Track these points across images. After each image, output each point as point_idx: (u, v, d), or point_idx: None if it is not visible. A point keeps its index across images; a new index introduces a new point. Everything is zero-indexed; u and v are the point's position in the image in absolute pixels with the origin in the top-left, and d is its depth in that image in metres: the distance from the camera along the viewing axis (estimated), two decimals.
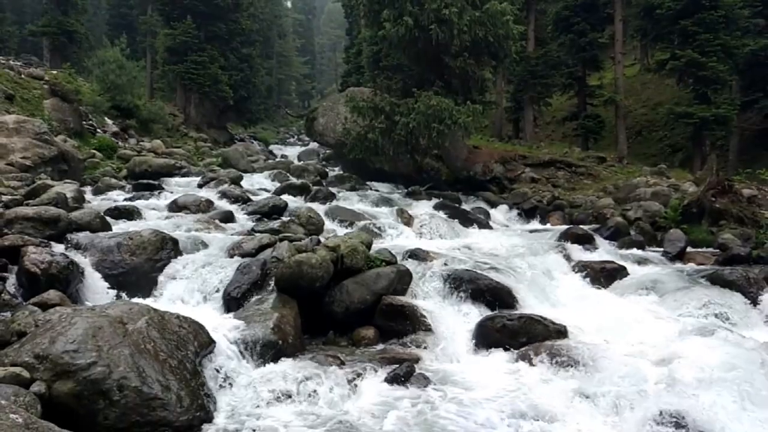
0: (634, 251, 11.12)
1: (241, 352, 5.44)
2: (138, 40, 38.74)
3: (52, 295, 5.93)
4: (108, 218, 9.00)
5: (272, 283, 6.97)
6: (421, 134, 14.80)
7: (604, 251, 10.94)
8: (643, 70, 33.44)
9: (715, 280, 8.32)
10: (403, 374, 5.53)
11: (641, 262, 10.00)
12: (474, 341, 6.52)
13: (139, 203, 11.15)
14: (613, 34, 25.02)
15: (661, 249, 11.10)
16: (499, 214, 15.06)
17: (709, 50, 20.65)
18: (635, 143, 28.49)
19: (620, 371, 5.42)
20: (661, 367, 5.49)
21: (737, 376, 5.16)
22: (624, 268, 9.03)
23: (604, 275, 8.76)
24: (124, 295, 6.80)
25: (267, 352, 5.58)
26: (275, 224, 9.87)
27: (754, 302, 7.90)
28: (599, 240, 11.63)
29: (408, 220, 11.82)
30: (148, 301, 6.19)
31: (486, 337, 6.49)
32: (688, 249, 10.93)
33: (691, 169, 20.12)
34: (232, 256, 7.83)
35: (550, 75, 25.38)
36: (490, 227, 13.34)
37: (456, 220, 12.66)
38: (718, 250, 10.75)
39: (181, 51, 28.71)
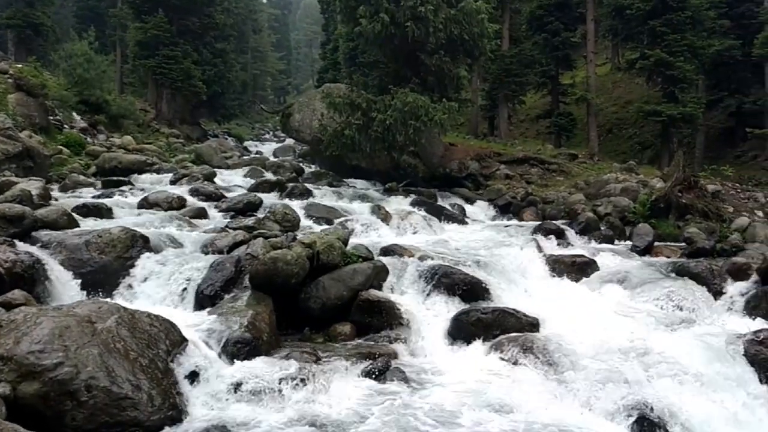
0: (604, 245, 11.37)
1: (214, 350, 5.39)
2: (107, 33, 38.03)
3: (16, 294, 5.76)
4: (76, 216, 8.81)
5: (247, 280, 6.92)
6: (397, 131, 14.83)
7: (576, 246, 11.14)
8: (614, 69, 33.98)
9: (681, 273, 8.56)
10: (379, 369, 5.57)
11: (611, 255, 10.17)
12: (449, 335, 6.61)
13: (108, 200, 10.98)
14: (585, 34, 25.39)
15: (630, 243, 11.35)
16: (475, 210, 15.19)
17: (676, 50, 21.08)
18: (606, 140, 28.96)
19: (590, 362, 5.54)
20: (629, 357, 5.62)
21: (701, 365, 5.34)
22: (594, 262, 9.21)
23: (575, 269, 8.92)
24: (93, 294, 6.67)
25: (241, 349, 5.52)
26: (250, 221, 9.81)
27: (718, 294, 8.15)
28: (570, 235, 11.83)
29: (385, 217, 11.85)
30: (119, 300, 6.12)
31: (461, 331, 6.58)
32: (656, 243, 11.19)
33: (659, 166, 20.53)
34: (205, 254, 7.76)
35: (525, 73, 25.64)
36: (466, 223, 13.46)
37: (432, 216, 12.74)
38: (684, 244, 11.02)
39: (152, 45, 28.25)
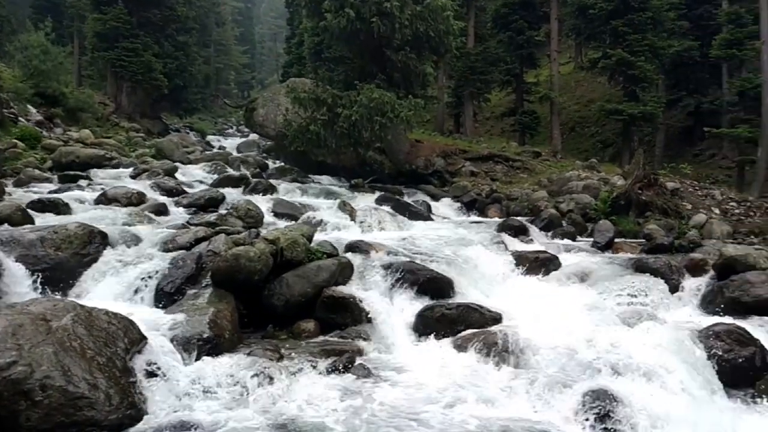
0: (566, 241, 11.56)
1: (174, 348, 5.30)
2: (65, 24, 36.95)
3: None
4: (31, 211, 8.59)
5: (208, 277, 6.82)
6: (363, 127, 14.78)
7: (538, 242, 11.28)
8: (577, 68, 34.58)
9: (641, 268, 8.71)
10: (344, 365, 5.55)
11: (573, 251, 10.33)
12: (414, 330, 6.63)
13: (65, 195, 10.67)
14: (549, 33, 25.77)
15: (591, 239, 11.54)
16: (440, 206, 15.26)
17: (637, 50, 21.54)
18: (569, 138, 29.45)
19: (552, 356, 5.62)
20: (589, 350, 5.71)
21: (659, 358, 5.45)
22: (556, 258, 9.32)
23: (538, 265, 9.02)
24: (48, 291, 6.47)
25: (202, 347, 5.45)
26: (212, 217, 9.68)
27: (676, 288, 8.35)
28: (534, 231, 11.98)
29: (351, 213, 11.80)
30: (76, 298, 5.95)
31: (426, 327, 6.61)
32: (616, 239, 11.40)
33: (620, 164, 20.96)
34: (165, 250, 7.62)
35: (489, 71, 25.86)
36: (432, 219, 13.51)
37: (398, 212, 12.74)
38: (643, 240, 11.26)
39: (111, 37, 27.55)
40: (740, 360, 5.67)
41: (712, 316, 7.52)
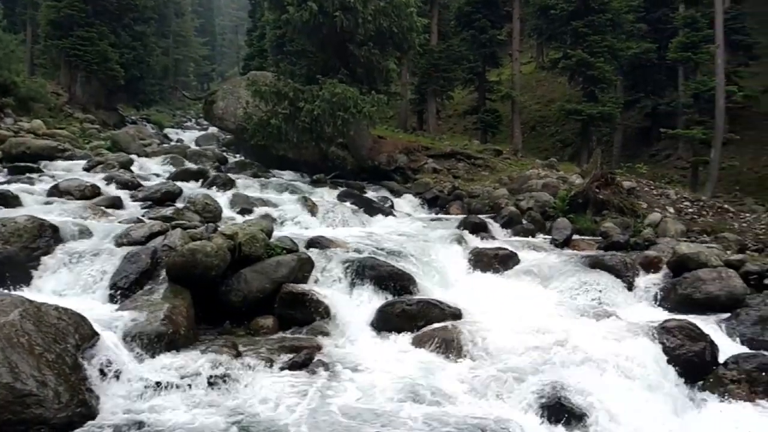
0: (526, 239, 11.70)
1: (127, 345, 5.20)
2: (17, 12, 35.62)
3: None
4: None
5: (163, 272, 6.68)
6: (326, 122, 14.66)
7: (499, 239, 11.41)
8: (538, 68, 35.09)
9: (597, 265, 8.87)
10: (302, 362, 5.50)
11: (532, 248, 10.46)
12: (374, 326, 6.62)
13: (15, 187, 10.32)
14: (511, 32, 26.03)
15: (550, 236, 11.72)
16: (403, 203, 15.27)
17: (597, 51, 21.96)
18: (529, 137, 29.87)
19: (509, 350, 5.69)
20: (545, 344, 5.79)
21: (613, 352, 5.57)
22: (515, 255, 9.42)
23: (498, 261, 9.11)
24: None
25: (156, 343, 5.34)
26: (168, 211, 9.48)
27: (631, 285, 8.54)
28: (494, 228, 12.10)
29: (312, 208, 11.71)
30: (25, 293, 5.74)
31: (386, 322, 6.60)
32: (574, 236, 11.60)
33: (578, 163, 21.34)
34: (119, 245, 7.45)
35: (453, 69, 25.98)
36: (394, 215, 13.50)
37: (360, 208, 12.71)
38: (600, 238, 11.49)
39: (66, 25, 26.65)
40: (691, 355, 5.82)
41: (665, 312, 7.72)
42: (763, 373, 5.42)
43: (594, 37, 21.97)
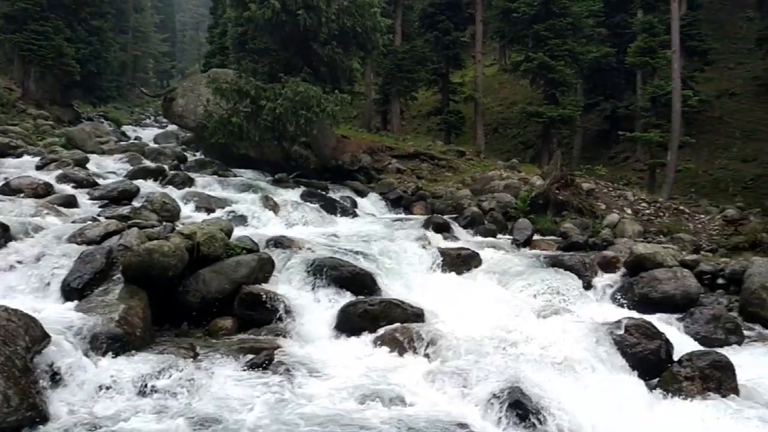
0: (488, 239, 11.81)
1: (80, 347, 5.08)
2: None
3: None
4: None
5: (119, 272, 6.52)
6: (288, 121, 14.49)
7: (461, 239, 11.48)
8: (501, 71, 35.47)
9: (556, 265, 9.03)
10: (262, 363, 5.42)
11: (493, 248, 10.54)
12: (336, 327, 6.57)
13: None
14: (474, 34, 26.24)
15: (511, 237, 11.85)
16: (366, 203, 15.24)
17: (558, 54, 22.29)
18: (492, 139, 30.19)
19: (469, 350, 5.70)
20: (506, 345, 5.84)
21: (571, 350, 5.65)
22: (477, 255, 9.48)
23: (460, 261, 9.15)
24: None
25: (111, 345, 5.24)
26: (125, 210, 9.28)
27: (589, 284, 8.70)
28: (457, 228, 12.18)
29: (273, 208, 11.59)
30: None
31: (348, 323, 6.56)
32: (535, 237, 11.76)
33: (540, 164, 21.64)
34: (74, 244, 7.25)
35: (416, 70, 26.07)
36: (357, 216, 13.47)
37: (323, 208, 12.64)
38: (560, 238, 11.68)
39: (20, 19, 25.75)
40: (647, 352, 5.93)
41: (622, 310, 7.87)
42: (716, 370, 5.56)
43: (555, 40, 22.31)
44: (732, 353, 6.22)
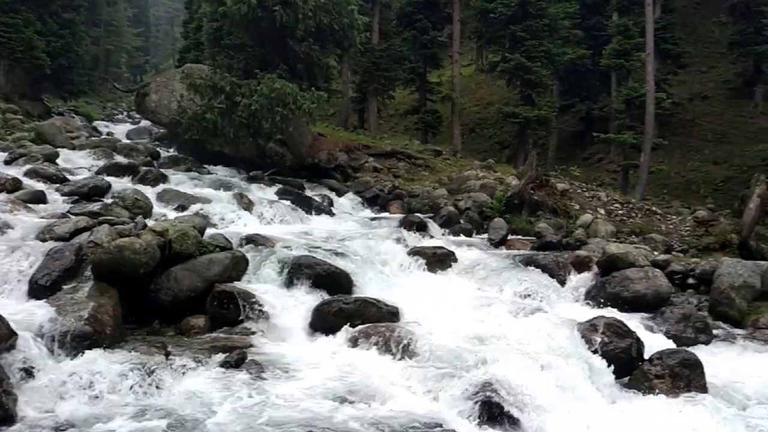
0: (463, 238, 11.86)
1: (48, 345, 5.03)
2: None
3: None
4: None
5: (89, 270, 6.43)
6: (263, 117, 14.36)
7: (437, 238, 11.49)
8: (478, 71, 35.66)
9: (531, 264, 9.09)
10: (234, 362, 5.36)
11: (469, 247, 10.58)
12: (311, 326, 6.51)
13: None
14: (452, 34, 26.31)
15: (487, 236, 11.89)
16: (343, 201, 15.17)
17: (534, 55, 22.47)
18: (469, 139, 30.34)
19: (444, 348, 5.70)
20: (480, 344, 5.86)
21: (544, 350, 5.70)
22: (453, 254, 9.49)
23: (436, 260, 9.14)
24: None
25: (80, 344, 5.16)
26: (95, 207, 9.11)
27: (562, 284, 8.78)
28: (433, 227, 12.20)
29: (248, 205, 11.48)
30: None
31: (323, 321, 6.50)
32: (510, 236, 11.82)
33: (515, 165, 21.79)
34: (42, 241, 7.15)
35: (394, 68, 26.05)
36: (333, 214, 13.41)
37: (299, 206, 12.55)
38: (534, 238, 11.76)
39: None
40: (618, 351, 5.99)
41: (595, 309, 7.95)
42: (685, 369, 5.64)
43: (531, 41, 22.48)
44: (701, 352, 6.31)
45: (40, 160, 12.34)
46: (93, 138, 19.25)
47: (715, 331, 7.45)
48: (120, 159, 14.54)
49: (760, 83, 24.60)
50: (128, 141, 19.50)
